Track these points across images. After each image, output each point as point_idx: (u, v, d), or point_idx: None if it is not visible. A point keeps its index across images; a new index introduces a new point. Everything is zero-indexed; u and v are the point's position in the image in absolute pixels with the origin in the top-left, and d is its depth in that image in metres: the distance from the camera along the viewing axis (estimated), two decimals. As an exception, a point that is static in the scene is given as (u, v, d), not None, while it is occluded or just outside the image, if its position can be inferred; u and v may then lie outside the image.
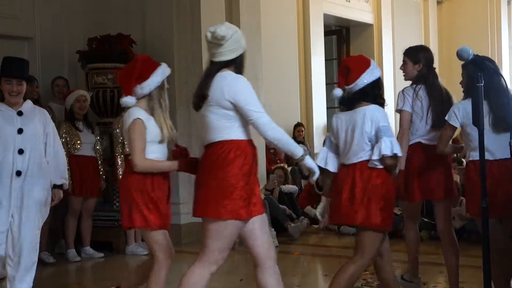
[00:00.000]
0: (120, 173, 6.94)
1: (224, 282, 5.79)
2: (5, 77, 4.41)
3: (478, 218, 3.85)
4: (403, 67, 4.83)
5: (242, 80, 3.47)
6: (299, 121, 10.44)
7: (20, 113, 4.46)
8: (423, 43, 13.29)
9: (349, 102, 3.90)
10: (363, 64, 3.89)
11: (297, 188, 8.88)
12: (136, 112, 3.77)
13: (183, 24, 7.78)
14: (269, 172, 8.77)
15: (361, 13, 12.11)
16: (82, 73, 7.74)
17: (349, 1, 11.74)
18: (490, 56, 13.07)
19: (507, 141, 4.15)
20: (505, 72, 13.65)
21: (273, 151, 9.51)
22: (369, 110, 3.80)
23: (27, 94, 4.59)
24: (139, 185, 3.79)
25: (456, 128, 4.31)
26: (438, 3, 14.20)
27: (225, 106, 3.43)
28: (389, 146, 3.70)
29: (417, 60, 4.75)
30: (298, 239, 7.83)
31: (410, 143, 4.62)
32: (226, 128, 3.45)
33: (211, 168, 3.47)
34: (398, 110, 4.71)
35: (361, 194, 3.75)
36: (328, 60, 12.01)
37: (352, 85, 3.85)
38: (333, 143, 4.03)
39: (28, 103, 4.55)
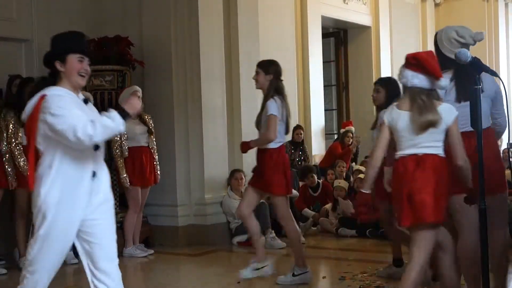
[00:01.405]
0: (123, 177, 6.90)
1: (222, 284, 5.78)
2: (78, 53, 3.64)
3: None
4: (256, 77, 5.50)
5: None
6: (298, 123, 10.41)
7: (85, 102, 3.62)
8: (420, 45, 13.32)
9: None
10: None
11: (297, 193, 8.82)
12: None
13: (181, 26, 7.76)
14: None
15: (359, 15, 12.10)
16: (79, 75, 7.71)
17: (347, 4, 11.73)
18: (487, 58, 13.19)
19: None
20: (502, 74, 13.65)
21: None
22: None
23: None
24: None
25: None
26: (436, 5, 14.21)
27: (492, 98, 4.11)
28: None
29: (268, 71, 5.44)
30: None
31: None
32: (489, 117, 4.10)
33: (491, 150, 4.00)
34: (271, 115, 5.34)
35: None
36: (326, 62, 11.99)
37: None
38: None
39: None
